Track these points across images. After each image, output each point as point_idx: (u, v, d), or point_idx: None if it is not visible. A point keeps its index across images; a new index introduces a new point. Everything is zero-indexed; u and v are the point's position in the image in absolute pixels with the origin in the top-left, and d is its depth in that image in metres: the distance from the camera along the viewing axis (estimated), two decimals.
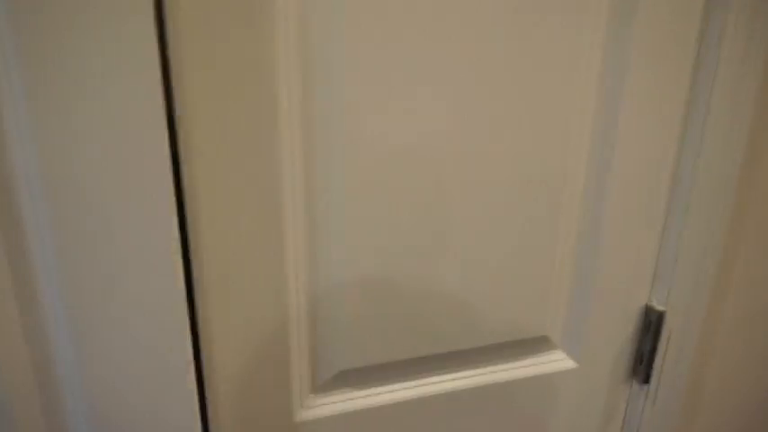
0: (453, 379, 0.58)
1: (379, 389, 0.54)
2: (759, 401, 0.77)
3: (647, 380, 0.66)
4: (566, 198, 0.55)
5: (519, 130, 0.50)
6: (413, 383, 0.56)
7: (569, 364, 0.63)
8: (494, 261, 0.54)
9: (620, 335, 0.64)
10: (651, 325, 0.64)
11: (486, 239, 0.52)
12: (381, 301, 0.50)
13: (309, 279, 0.47)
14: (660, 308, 0.63)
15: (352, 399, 0.52)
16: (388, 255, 0.48)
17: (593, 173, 0.55)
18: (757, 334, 0.71)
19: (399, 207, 0.47)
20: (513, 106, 0.48)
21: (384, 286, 0.49)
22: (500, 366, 0.60)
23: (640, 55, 0.51)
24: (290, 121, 0.42)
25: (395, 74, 0.43)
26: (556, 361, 0.63)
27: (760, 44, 0.54)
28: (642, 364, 0.66)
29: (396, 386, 0.55)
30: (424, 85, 0.45)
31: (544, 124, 0.50)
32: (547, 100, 0.50)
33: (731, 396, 0.74)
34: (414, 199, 0.48)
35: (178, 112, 0.38)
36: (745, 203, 0.62)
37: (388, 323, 0.51)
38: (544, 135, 0.51)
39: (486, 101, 0.47)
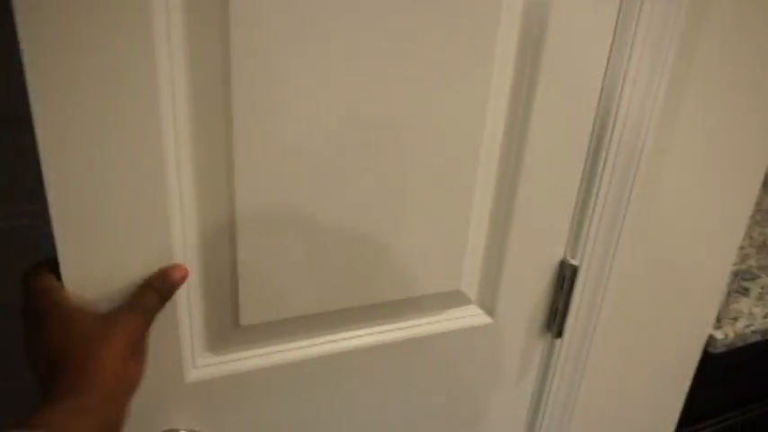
0: (365, 335, 0.55)
1: (284, 346, 0.51)
2: (667, 355, 0.80)
3: (560, 334, 0.66)
4: (483, 150, 0.53)
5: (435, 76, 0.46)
6: (320, 340, 0.52)
7: (484, 319, 0.62)
8: (408, 212, 0.51)
9: (535, 290, 0.64)
10: (565, 280, 0.64)
11: (400, 189, 0.49)
12: (286, 248, 0.46)
13: (200, 216, 0.42)
14: (574, 262, 0.63)
15: (252, 357, 0.49)
16: (294, 193, 0.44)
17: (511, 125, 0.54)
18: (667, 288, 0.73)
19: (310, 141, 0.43)
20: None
21: (290, 231, 0.46)
22: (413, 322, 0.58)
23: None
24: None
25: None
26: (471, 316, 0.61)
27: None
28: (556, 318, 0.66)
29: (303, 343, 0.52)
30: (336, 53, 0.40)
31: (464, 72, 0.47)
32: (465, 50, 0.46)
33: (640, 351, 0.77)
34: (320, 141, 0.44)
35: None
36: (661, 160, 0.63)
37: (293, 273, 0.47)
38: (464, 85, 0.48)
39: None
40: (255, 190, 0.43)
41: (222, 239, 0.44)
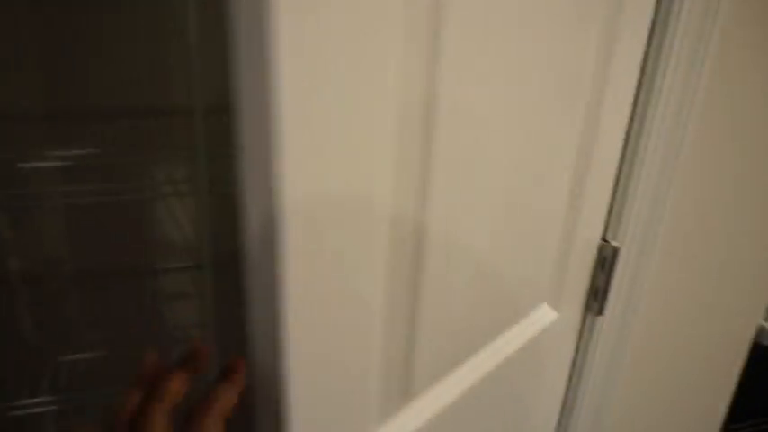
0: (486, 360, 0.55)
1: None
2: (713, 344, 0.81)
3: (601, 311, 0.69)
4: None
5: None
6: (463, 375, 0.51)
7: (553, 315, 0.64)
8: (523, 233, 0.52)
9: (581, 273, 0.67)
10: (606, 260, 0.68)
11: (524, 210, 0.51)
12: (460, 289, 0.44)
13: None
14: (615, 244, 0.67)
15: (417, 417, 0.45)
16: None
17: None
18: (711, 274, 0.75)
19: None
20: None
21: (464, 267, 0.44)
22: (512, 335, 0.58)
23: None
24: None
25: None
26: (545, 316, 0.63)
27: None
28: (597, 298, 0.69)
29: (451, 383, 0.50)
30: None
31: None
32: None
33: (684, 337, 0.78)
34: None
35: None
36: (703, 140, 0.65)
37: (460, 317, 0.46)
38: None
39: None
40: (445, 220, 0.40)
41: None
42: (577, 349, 0.73)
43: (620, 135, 0.62)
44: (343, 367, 0.37)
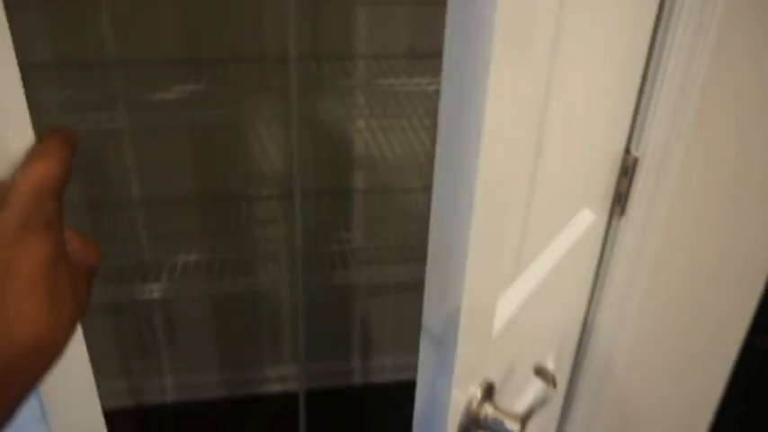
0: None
1: None
2: (734, 259, 0.92)
3: (623, 212, 0.83)
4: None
5: None
6: None
7: (591, 218, 0.79)
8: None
9: (609, 181, 0.81)
10: (629, 169, 0.81)
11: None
12: None
13: None
14: (636, 154, 0.79)
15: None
16: None
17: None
18: (731, 189, 0.86)
19: None
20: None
21: None
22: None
23: None
24: None
25: None
26: (585, 218, 0.77)
27: None
28: (621, 201, 0.83)
29: None
30: None
31: None
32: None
33: (706, 248, 0.90)
34: None
35: None
36: (721, 60, 0.75)
37: None
38: None
39: None
40: None
41: None
42: (603, 249, 0.87)
43: (643, 56, 0.74)
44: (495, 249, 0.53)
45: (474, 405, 0.55)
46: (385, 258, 1.47)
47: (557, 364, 0.86)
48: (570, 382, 0.96)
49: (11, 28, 0.29)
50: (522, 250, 0.61)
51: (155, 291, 1.23)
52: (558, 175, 0.64)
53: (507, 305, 0.60)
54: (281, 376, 1.81)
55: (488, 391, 0.57)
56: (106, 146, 1.36)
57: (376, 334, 1.83)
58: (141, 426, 1.72)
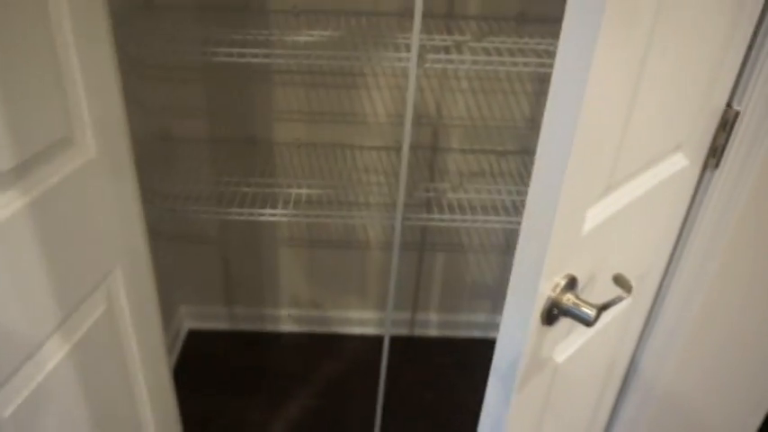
0: None
1: None
2: None
3: (718, 165, 0.87)
4: None
5: None
6: None
7: (684, 162, 0.84)
8: None
9: (708, 132, 0.85)
10: (728, 122, 0.85)
11: None
12: None
13: None
14: (738, 108, 0.83)
15: None
16: None
17: None
18: None
19: None
20: None
21: None
22: None
23: None
24: None
25: None
26: (678, 162, 0.84)
27: None
28: (716, 155, 0.87)
29: None
30: None
31: None
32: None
33: None
34: None
35: None
36: None
37: None
38: None
39: None
40: None
41: None
42: (693, 199, 0.91)
43: (755, 15, 0.78)
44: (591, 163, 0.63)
45: (557, 291, 0.65)
46: (470, 210, 1.57)
47: (636, 293, 0.93)
48: (647, 322, 1.02)
49: None
50: (615, 173, 0.69)
51: (275, 215, 1.41)
52: (656, 116, 0.71)
53: (595, 216, 0.69)
54: (365, 320, 1.97)
55: (571, 283, 0.66)
56: (244, 82, 1.55)
57: (456, 289, 1.93)
58: (234, 347, 1.94)
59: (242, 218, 1.38)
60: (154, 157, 1.65)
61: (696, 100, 0.80)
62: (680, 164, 0.84)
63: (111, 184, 0.89)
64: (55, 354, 0.79)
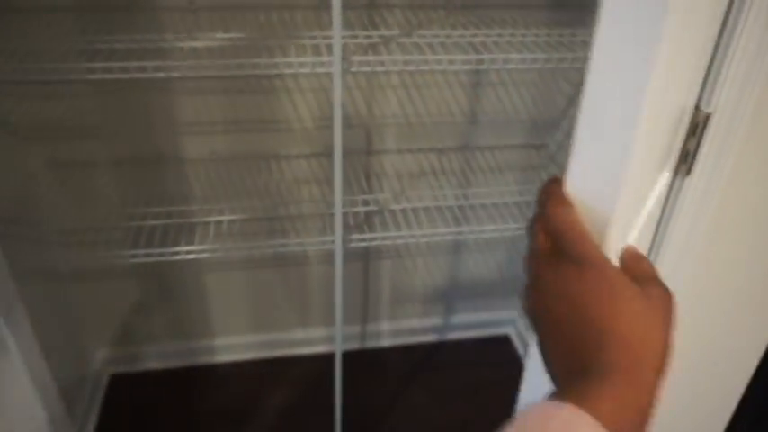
0: None
1: None
2: None
3: (689, 171, 0.78)
4: None
5: None
6: None
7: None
8: None
9: (677, 138, 0.76)
10: (698, 126, 0.75)
11: None
12: None
13: None
14: (708, 110, 0.74)
15: None
16: None
17: None
18: None
19: None
20: None
21: None
22: None
23: None
24: None
25: None
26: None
27: None
28: (687, 160, 0.78)
29: None
30: None
31: None
32: None
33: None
34: None
35: None
36: None
37: None
38: None
39: None
40: None
41: None
42: (664, 208, 0.82)
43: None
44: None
45: None
46: (415, 220, 1.44)
47: None
48: None
49: None
50: None
51: (192, 252, 1.22)
52: None
53: None
54: (312, 339, 1.82)
55: None
56: (140, 93, 1.33)
57: (406, 296, 1.82)
58: (175, 385, 1.75)
59: (151, 259, 1.18)
60: (42, 188, 1.40)
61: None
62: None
63: None
64: None
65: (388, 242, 1.36)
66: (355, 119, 1.46)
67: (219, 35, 1.15)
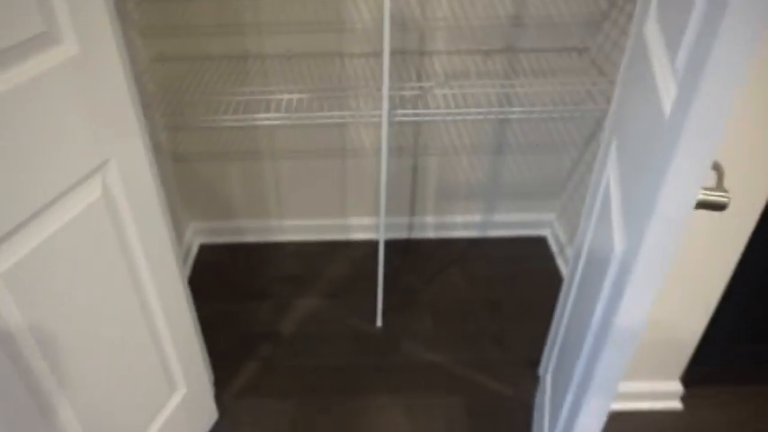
0: None
1: None
2: None
3: None
4: None
5: None
6: None
7: None
8: None
9: None
10: None
11: None
12: None
13: None
14: None
15: None
16: None
17: None
18: None
19: None
20: None
21: None
22: None
23: None
24: None
25: None
26: None
27: None
28: None
29: None
30: None
31: None
32: None
33: None
34: None
35: None
36: None
37: None
38: None
39: None
40: None
41: None
42: None
43: None
44: None
45: None
46: (458, 103, 1.61)
47: None
48: None
49: None
50: None
51: (269, 119, 1.49)
52: None
53: None
54: (366, 226, 2.07)
55: None
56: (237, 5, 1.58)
57: (450, 191, 2.00)
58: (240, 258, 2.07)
59: (238, 123, 1.46)
60: (151, 77, 1.71)
61: None
62: None
63: (98, 81, 0.96)
64: (49, 225, 0.90)
65: (432, 119, 1.52)
66: (411, 21, 1.63)
67: None
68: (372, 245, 2.07)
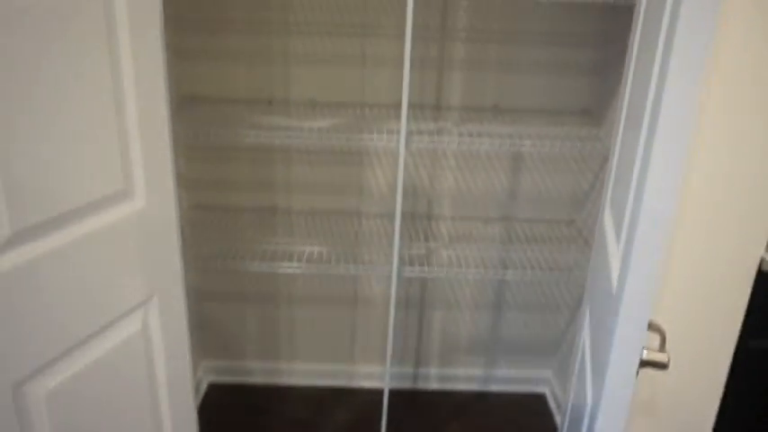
0: None
1: None
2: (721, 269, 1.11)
3: None
4: None
5: None
6: None
7: None
8: None
9: None
10: None
11: None
12: None
13: None
14: None
15: None
16: None
17: None
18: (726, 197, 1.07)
19: None
20: None
21: None
22: None
23: None
24: None
25: None
26: None
27: None
28: None
29: None
30: None
31: None
32: None
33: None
34: None
35: None
36: None
37: None
38: None
39: None
40: None
41: None
42: None
43: None
44: None
45: None
46: (462, 262, 1.78)
47: None
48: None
49: None
50: None
51: (291, 267, 1.70)
52: None
53: None
54: (371, 374, 2.15)
55: None
56: (267, 161, 1.87)
57: (454, 344, 2.10)
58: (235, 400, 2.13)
59: (263, 269, 1.66)
60: (187, 223, 1.96)
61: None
62: None
63: (156, 228, 1.16)
64: (91, 353, 1.02)
65: (438, 275, 1.69)
66: (420, 189, 1.89)
67: (327, 120, 1.67)
68: (377, 393, 2.13)
